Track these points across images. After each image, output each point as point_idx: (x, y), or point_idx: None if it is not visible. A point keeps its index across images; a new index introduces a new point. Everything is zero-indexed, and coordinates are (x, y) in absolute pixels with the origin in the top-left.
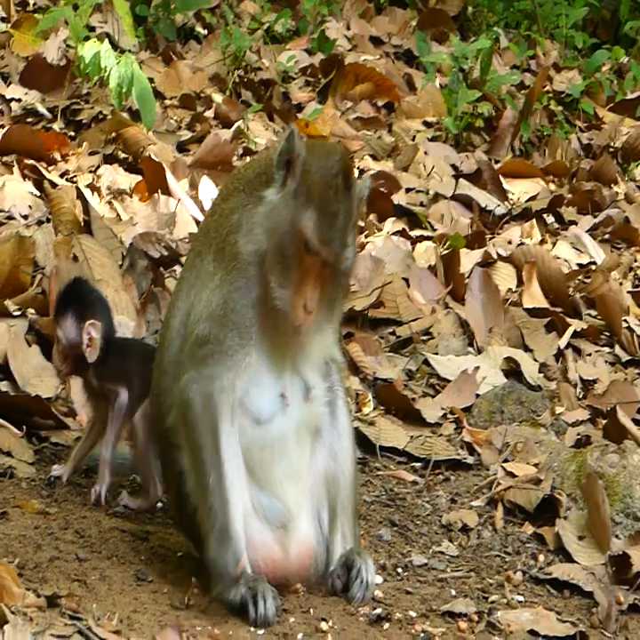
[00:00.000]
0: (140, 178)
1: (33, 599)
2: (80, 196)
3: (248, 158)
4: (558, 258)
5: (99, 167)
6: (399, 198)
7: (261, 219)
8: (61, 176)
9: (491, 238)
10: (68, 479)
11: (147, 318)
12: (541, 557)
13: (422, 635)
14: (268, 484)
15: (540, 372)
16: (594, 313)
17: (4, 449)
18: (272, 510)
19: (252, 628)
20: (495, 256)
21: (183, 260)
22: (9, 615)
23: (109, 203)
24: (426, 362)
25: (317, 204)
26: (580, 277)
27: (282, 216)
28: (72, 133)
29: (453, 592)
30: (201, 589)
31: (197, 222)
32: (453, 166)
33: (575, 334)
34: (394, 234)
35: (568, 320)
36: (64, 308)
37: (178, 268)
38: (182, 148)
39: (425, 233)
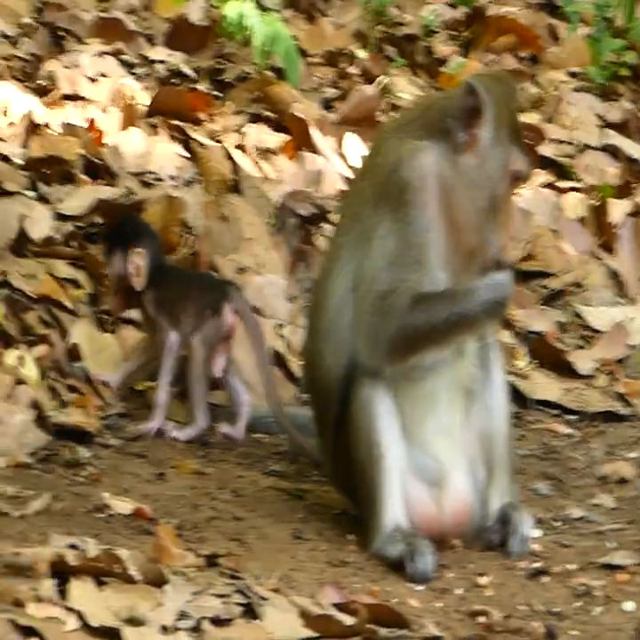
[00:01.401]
0: (285, 136)
1: (192, 559)
2: (228, 155)
3: (392, 114)
4: None
5: (244, 126)
6: (545, 150)
7: (435, 169)
8: (208, 136)
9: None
10: (117, 387)
11: (297, 277)
12: None
13: (581, 588)
14: (421, 440)
15: None
16: None
17: None
18: (426, 467)
19: (411, 584)
20: None
21: (330, 217)
22: (169, 575)
23: (256, 161)
24: (577, 314)
25: (516, 137)
26: None
27: (485, 170)
28: (216, 93)
29: (611, 544)
30: (358, 546)
31: (344, 179)
32: (599, 116)
33: None
34: (541, 186)
35: None
36: (110, 245)
37: (325, 226)
38: (326, 105)
39: (572, 184)
